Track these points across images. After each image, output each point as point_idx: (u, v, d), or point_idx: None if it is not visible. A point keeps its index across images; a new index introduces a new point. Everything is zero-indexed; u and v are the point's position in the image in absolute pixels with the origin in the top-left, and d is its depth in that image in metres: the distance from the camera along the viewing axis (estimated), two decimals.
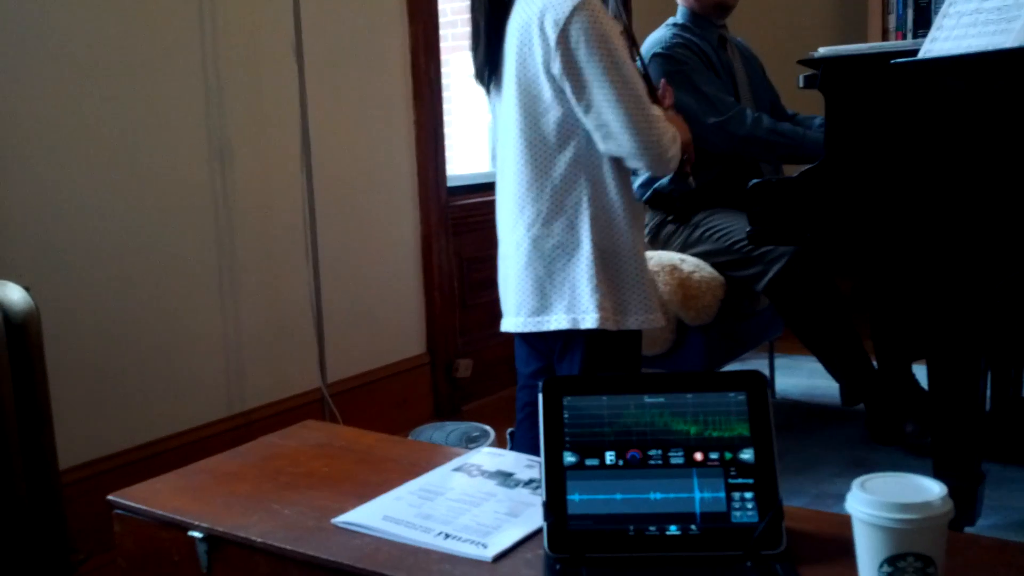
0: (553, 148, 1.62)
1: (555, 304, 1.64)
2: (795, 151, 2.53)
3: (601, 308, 1.61)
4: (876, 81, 1.70)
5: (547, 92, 1.60)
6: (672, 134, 1.62)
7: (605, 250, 1.62)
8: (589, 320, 1.61)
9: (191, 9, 2.32)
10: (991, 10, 1.60)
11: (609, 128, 1.56)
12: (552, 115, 1.60)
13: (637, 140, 1.55)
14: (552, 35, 1.55)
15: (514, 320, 1.70)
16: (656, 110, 1.60)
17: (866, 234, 1.77)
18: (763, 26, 3.05)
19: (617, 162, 1.64)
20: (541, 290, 1.65)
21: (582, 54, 1.53)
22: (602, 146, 1.59)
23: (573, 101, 1.57)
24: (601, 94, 1.54)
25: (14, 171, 1.99)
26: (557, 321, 1.64)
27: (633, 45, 1.73)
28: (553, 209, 1.63)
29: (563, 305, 1.63)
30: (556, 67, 1.56)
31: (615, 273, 1.64)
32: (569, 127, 1.61)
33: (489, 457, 1.39)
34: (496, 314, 1.77)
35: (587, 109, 1.56)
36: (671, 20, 2.74)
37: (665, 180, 2.68)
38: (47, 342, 1.58)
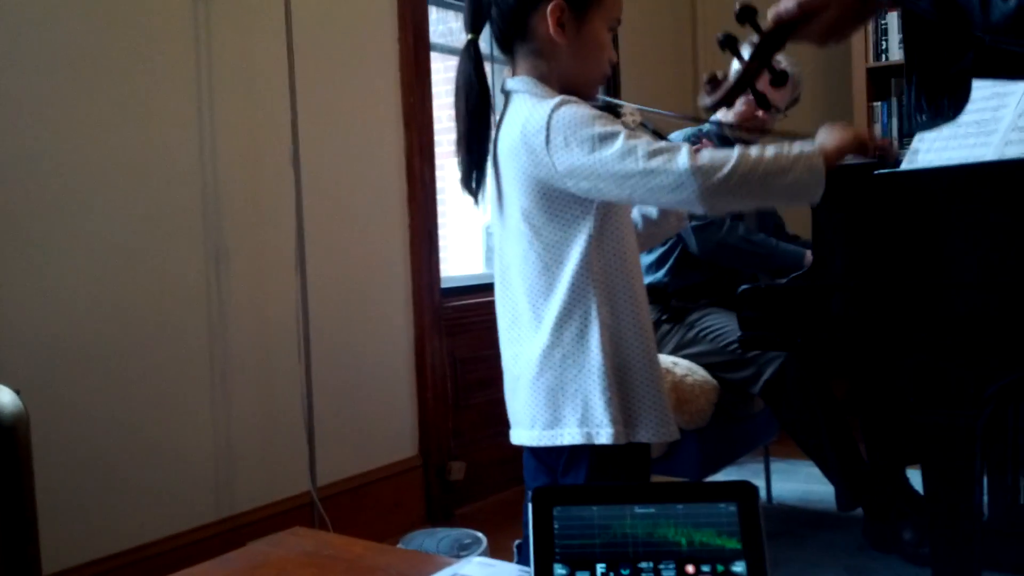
0: (560, 258, 1.59)
1: (567, 417, 1.59)
2: (767, 261, 2.58)
3: (615, 422, 1.55)
4: (860, 191, 1.74)
5: (552, 201, 1.58)
6: (714, 155, 1.44)
7: (616, 361, 1.59)
8: (603, 435, 1.55)
9: (190, 109, 2.38)
10: (970, 124, 1.65)
11: (635, 191, 1.49)
12: (557, 225, 1.58)
13: (666, 181, 1.45)
14: (540, 145, 1.53)
15: (527, 433, 1.64)
16: (675, 146, 1.47)
17: (855, 340, 1.78)
18: None
19: (626, 270, 1.61)
20: (554, 402, 1.60)
21: (575, 148, 1.50)
22: (656, 204, 1.53)
23: (591, 191, 1.53)
24: (606, 170, 1.49)
25: (6, 271, 2.01)
26: (571, 435, 1.58)
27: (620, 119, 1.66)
28: (562, 319, 1.58)
29: (576, 419, 1.58)
30: (555, 171, 1.53)
31: (627, 385, 1.60)
32: (575, 236, 1.58)
33: (480, 568, 1.36)
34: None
35: (608, 191, 1.51)
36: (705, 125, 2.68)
37: (660, 274, 2.71)
38: (35, 444, 1.57)
